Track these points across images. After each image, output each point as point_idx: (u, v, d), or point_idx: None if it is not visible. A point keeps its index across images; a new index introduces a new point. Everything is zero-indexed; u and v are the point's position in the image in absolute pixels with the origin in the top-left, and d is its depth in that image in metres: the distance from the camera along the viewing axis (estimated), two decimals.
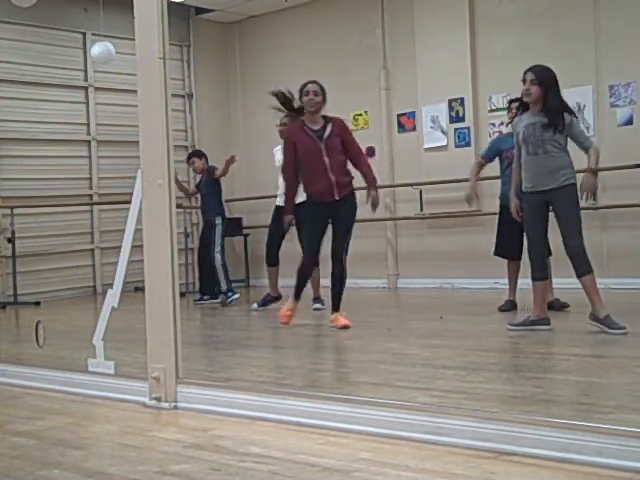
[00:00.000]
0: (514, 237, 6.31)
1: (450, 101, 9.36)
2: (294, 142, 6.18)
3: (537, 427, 2.76)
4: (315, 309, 7.36)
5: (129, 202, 3.98)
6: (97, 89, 10.49)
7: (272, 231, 7.66)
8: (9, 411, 3.94)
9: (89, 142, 10.42)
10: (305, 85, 6.20)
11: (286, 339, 6.09)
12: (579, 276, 5.28)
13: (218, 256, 8.30)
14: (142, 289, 3.95)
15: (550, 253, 6.06)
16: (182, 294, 8.36)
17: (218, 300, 8.39)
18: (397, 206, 9.96)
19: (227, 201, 8.89)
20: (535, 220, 5.48)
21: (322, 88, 6.20)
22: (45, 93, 10.01)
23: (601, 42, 8.37)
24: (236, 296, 8.30)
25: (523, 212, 5.58)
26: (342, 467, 2.71)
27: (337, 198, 6.10)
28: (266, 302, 7.60)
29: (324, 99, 6.19)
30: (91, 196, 10.46)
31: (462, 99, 9.27)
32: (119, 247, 4.07)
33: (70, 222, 10.12)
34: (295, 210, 7.50)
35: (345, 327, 6.00)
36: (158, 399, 3.76)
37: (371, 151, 9.83)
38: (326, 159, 6.07)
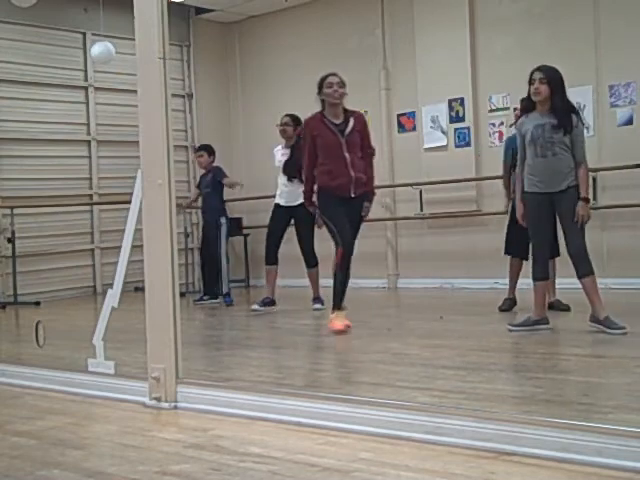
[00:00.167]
0: (525, 236, 6.28)
1: (450, 101, 9.35)
2: (314, 136, 6.00)
3: (537, 427, 2.76)
4: (315, 309, 7.37)
5: (129, 202, 3.99)
6: (97, 89, 10.47)
7: (271, 230, 7.66)
8: (9, 411, 3.94)
9: (89, 142, 10.41)
10: (326, 77, 6.03)
11: (286, 339, 6.09)
12: (580, 277, 5.27)
13: (223, 258, 8.28)
14: (142, 289, 3.96)
15: (558, 254, 6.05)
16: (182, 294, 8.35)
17: (218, 300, 8.39)
18: (397, 206, 9.95)
19: (227, 201, 8.87)
20: (541, 221, 5.46)
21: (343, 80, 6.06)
22: (45, 93, 10.00)
23: (601, 42, 8.36)
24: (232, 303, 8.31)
25: (528, 214, 5.52)
26: (342, 467, 2.72)
27: (353, 195, 5.97)
28: (266, 303, 7.60)
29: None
30: (91, 196, 10.45)
31: (462, 99, 9.27)
32: (119, 247, 4.07)
33: (70, 222, 10.11)
34: (295, 211, 7.51)
35: (340, 332, 5.75)
36: (158, 399, 3.77)
37: None
38: (347, 154, 5.93)
